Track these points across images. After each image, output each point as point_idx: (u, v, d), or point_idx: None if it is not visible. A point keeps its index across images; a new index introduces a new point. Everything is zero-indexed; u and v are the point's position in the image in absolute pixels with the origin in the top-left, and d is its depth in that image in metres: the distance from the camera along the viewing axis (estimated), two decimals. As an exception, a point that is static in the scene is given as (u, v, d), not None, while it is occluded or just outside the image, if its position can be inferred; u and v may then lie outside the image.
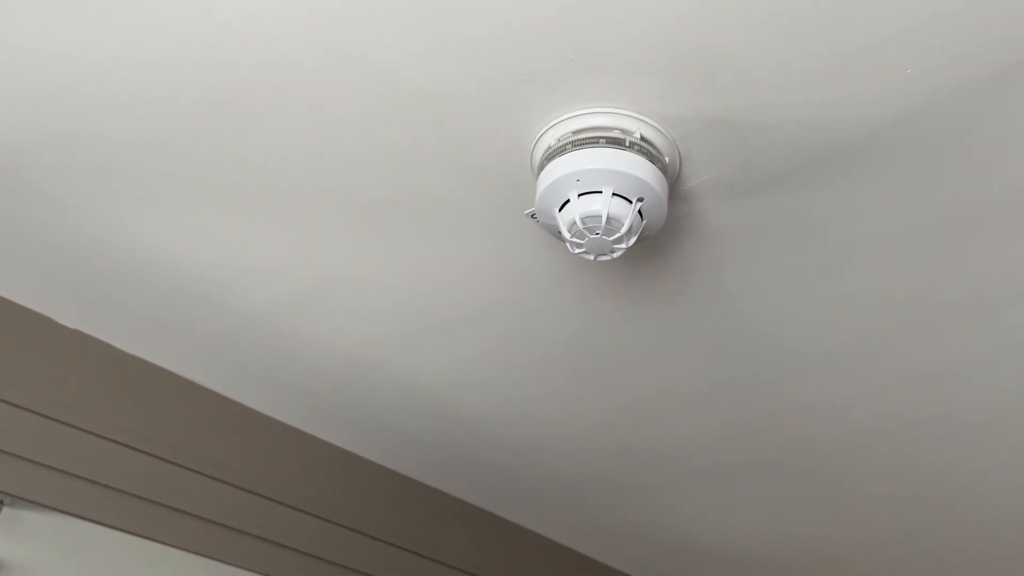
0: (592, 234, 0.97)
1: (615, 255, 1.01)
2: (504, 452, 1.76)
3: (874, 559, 2.12)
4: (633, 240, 0.98)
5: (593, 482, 1.86)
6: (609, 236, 0.97)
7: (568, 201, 0.97)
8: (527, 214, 1.10)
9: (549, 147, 0.99)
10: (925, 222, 1.12)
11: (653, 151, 0.97)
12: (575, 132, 0.97)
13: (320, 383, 1.56)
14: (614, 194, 0.95)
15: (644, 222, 0.98)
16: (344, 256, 1.25)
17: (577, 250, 1.00)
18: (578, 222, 0.96)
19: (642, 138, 0.97)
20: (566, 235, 0.98)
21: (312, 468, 1.72)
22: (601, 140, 0.96)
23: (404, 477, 1.88)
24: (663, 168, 0.98)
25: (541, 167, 0.99)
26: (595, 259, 1.02)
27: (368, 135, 1.04)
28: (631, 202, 0.96)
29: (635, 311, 1.32)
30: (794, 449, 1.68)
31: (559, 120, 0.98)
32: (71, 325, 1.45)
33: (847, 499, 1.85)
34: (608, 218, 0.95)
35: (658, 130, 0.98)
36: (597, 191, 0.95)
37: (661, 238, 1.16)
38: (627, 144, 0.96)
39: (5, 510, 1.45)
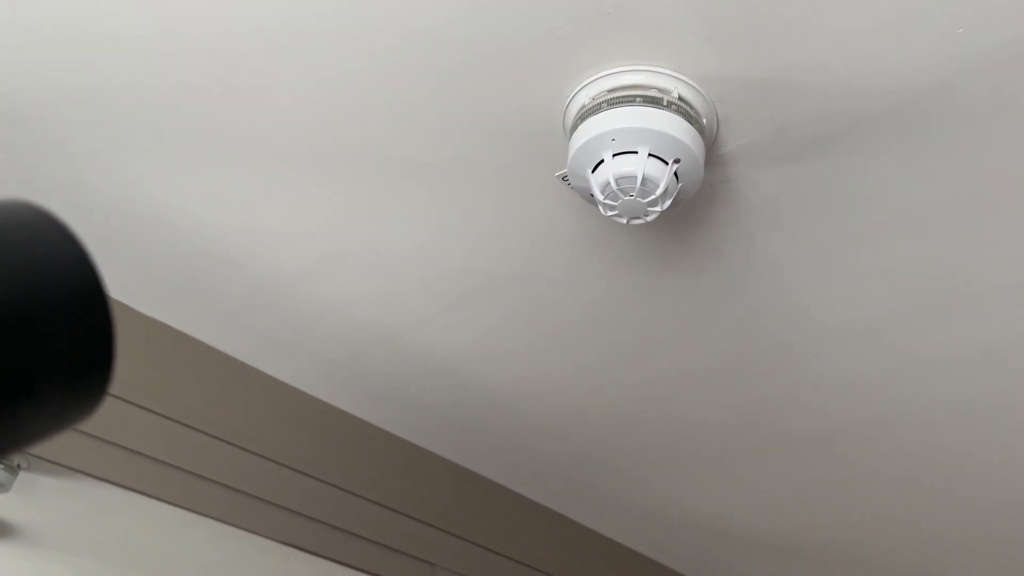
0: (626, 196, 0.94)
1: (648, 218, 0.98)
2: (522, 425, 1.74)
3: (891, 543, 2.10)
4: (668, 203, 0.95)
5: (610, 458, 1.84)
6: (644, 198, 0.94)
7: (602, 161, 0.94)
8: (558, 176, 1.07)
9: (583, 106, 0.96)
10: (967, 195, 1.08)
11: (691, 112, 0.94)
12: (610, 91, 0.94)
13: (338, 350, 1.55)
14: (650, 154, 0.92)
15: (680, 185, 0.95)
16: (368, 219, 1.23)
17: (610, 212, 0.97)
18: (612, 183, 0.93)
19: (680, 98, 0.94)
20: (599, 197, 0.95)
21: (327, 436, 1.71)
22: (638, 99, 0.93)
23: (420, 448, 1.87)
24: (700, 130, 0.95)
25: (574, 127, 0.96)
26: (628, 222, 0.99)
27: (395, 92, 1.01)
28: (667, 163, 0.93)
29: (663, 282, 1.30)
30: (815, 429, 1.65)
31: (594, 78, 0.95)
32: (90, 287, 1.44)
33: (867, 481, 1.82)
34: (643, 179, 0.92)
35: (696, 90, 0.95)
36: (633, 151, 0.92)
37: (693, 205, 1.13)
38: (665, 103, 0.92)
39: (22, 474, 1.44)
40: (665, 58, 0.93)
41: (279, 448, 1.61)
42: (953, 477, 1.75)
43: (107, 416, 1.41)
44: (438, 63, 0.96)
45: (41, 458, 1.34)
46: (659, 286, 1.31)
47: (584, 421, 1.70)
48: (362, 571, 1.71)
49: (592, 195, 0.97)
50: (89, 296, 0.41)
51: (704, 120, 0.96)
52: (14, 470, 1.38)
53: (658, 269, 1.27)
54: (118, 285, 1.43)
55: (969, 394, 1.48)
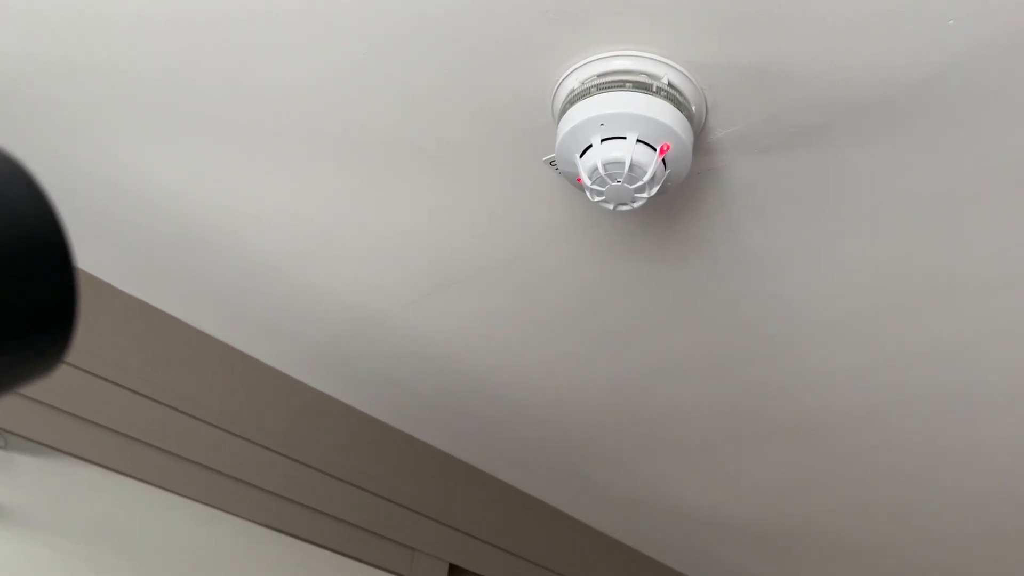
0: (613, 181, 0.94)
1: (636, 205, 0.98)
2: (506, 412, 1.74)
3: (877, 534, 2.12)
4: (655, 190, 0.95)
5: (595, 446, 1.85)
6: (631, 184, 0.94)
7: (590, 146, 0.93)
8: (546, 161, 1.07)
9: (572, 90, 0.95)
10: (955, 187, 1.09)
11: (680, 98, 0.94)
12: (600, 75, 0.94)
13: (324, 334, 1.54)
14: (638, 140, 0.92)
15: (668, 171, 0.95)
16: (355, 203, 1.22)
17: (597, 198, 0.97)
18: (600, 168, 0.93)
19: (670, 84, 0.93)
20: (586, 182, 0.95)
21: (311, 420, 1.70)
22: (627, 84, 0.92)
23: (406, 435, 1.87)
24: (689, 117, 0.95)
25: (563, 111, 0.96)
26: (614, 208, 0.99)
27: (382, 76, 1.00)
28: (655, 150, 0.92)
29: (650, 270, 1.30)
30: (800, 420, 1.66)
31: (584, 62, 0.94)
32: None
33: (853, 472, 1.83)
34: (631, 165, 0.92)
35: (686, 76, 0.95)
36: (621, 137, 0.92)
37: (679, 193, 1.13)
38: (654, 89, 0.92)
39: (0, 453, 1.43)
40: (656, 44, 0.92)
41: (263, 431, 1.61)
42: (939, 469, 1.76)
43: (89, 395, 1.40)
44: (426, 47, 0.95)
45: (21, 436, 1.33)
46: (644, 274, 1.31)
47: (569, 408, 1.71)
48: (343, 555, 1.71)
49: (579, 180, 0.97)
50: (50, 246, 0.37)
51: (693, 107, 0.96)
52: (-7, 449, 1.36)
53: (643, 257, 1.27)
54: (104, 265, 1.42)
55: (955, 386, 1.49)
